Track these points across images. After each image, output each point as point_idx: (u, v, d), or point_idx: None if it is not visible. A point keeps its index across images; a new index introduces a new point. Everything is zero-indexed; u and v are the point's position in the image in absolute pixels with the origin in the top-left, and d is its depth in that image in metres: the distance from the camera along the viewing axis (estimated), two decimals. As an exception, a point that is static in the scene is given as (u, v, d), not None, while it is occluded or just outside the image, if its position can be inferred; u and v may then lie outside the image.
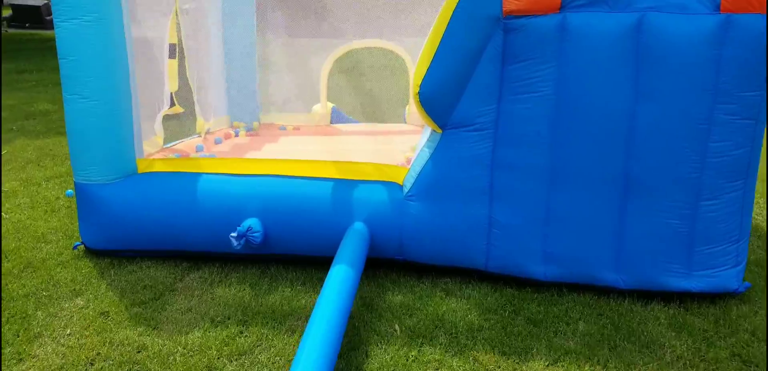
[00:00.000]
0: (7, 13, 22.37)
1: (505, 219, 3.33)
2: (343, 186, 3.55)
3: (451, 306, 3.27)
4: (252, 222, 3.51)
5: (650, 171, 3.16)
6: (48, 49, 16.74)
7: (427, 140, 3.47)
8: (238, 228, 3.47)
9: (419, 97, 3.26)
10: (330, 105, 5.77)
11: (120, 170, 3.77)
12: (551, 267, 3.35)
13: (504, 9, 3.08)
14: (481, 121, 3.26)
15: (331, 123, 5.75)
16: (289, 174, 3.63)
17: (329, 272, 2.96)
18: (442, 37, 3.16)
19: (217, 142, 5.07)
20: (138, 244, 3.80)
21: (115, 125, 3.71)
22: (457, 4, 3.11)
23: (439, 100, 3.25)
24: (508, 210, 3.31)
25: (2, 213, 4.60)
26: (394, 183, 3.55)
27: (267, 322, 3.14)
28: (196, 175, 3.73)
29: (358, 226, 3.43)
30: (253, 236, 3.47)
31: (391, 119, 5.83)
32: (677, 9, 2.97)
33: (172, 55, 4.65)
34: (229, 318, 3.18)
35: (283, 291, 3.46)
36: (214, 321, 3.15)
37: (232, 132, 5.34)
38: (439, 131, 3.36)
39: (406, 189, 3.47)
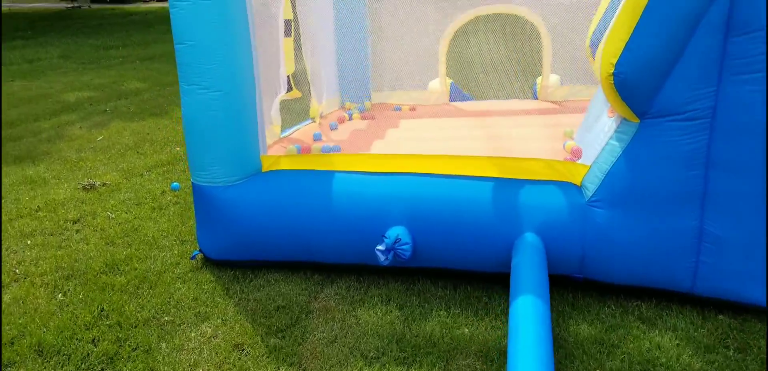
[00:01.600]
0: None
1: (720, 232, 2.64)
2: (509, 187, 2.95)
3: (655, 342, 2.63)
4: (399, 232, 2.96)
5: None
6: (131, 23, 16.83)
7: (616, 131, 2.81)
8: (385, 239, 2.94)
9: (615, 79, 2.59)
10: (448, 81, 5.15)
11: (244, 169, 3.31)
12: (755, 287, 2.65)
13: (736, -35, 2.37)
14: (694, 109, 2.57)
15: (451, 101, 5.13)
16: (440, 172, 3.05)
17: (516, 307, 2.38)
18: (649, 2, 2.47)
19: (333, 127, 4.56)
20: (263, 254, 3.34)
21: (239, 118, 3.24)
22: (672, -41, 2.41)
23: (641, 82, 2.57)
24: (726, 220, 2.63)
25: (110, 215, 4.27)
26: (570, 184, 2.92)
27: (431, 360, 2.61)
28: (330, 174, 3.22)
29: (531, 239, 2.83)
30: (402, 249, 2.93)
31: (518, 95, 5.16)
32: None
33: (287, 33, 4.13)
34: (384, 355, 2.66)
35: (439, 316, 2.91)
36: (367, 358, 2.64)
37: (345, 115, 4.82)
38: (636, 120, 2.70)
39: (588, 193, 2.84)
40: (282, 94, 4.06)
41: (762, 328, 2.69)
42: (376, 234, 3.06)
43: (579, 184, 2.91)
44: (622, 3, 2.61)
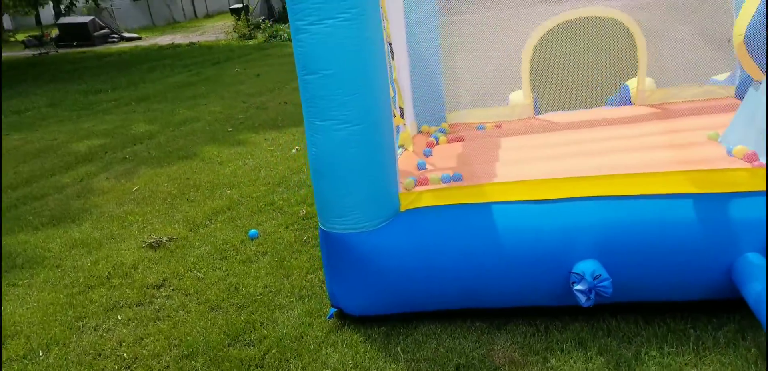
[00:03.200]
0: (54, 33, 21.86)
1: None
2: (717, 202, 2.61)
3: None
4: (593, 267, 2.58)
5: None
6: (108, 64, 16.12)
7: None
8: (582, 278, 2.55)
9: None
10: (532, 93, 4.80)
11: (387, 211, 2.89)
12: None
13: None
14: None
15: (537, 114, 4.78)
16: (630, 193, 2.69)
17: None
18: None
19: (427, 153, 4.16)
20: (415, 305, 2.93)
21: (381, 153, 2.83)
22: None
23: None
24: None
25: (198, 274, 3.77)
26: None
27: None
28: (488, 207, 2.83)
29: (758, 260, 2.48)
30: (603, 287, 2.55)
31: (615, 102, 4.84)
32: None
33: (391, 56, 3.74)
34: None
35: (652, 357, 2.54)
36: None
37: (432, 139, 4.42)
38: None
39: (813, 202, 2.52)
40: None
41: None
42: (558, 272, 2.68)
43: (790, 192, 2.60)
44: None
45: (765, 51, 3.21)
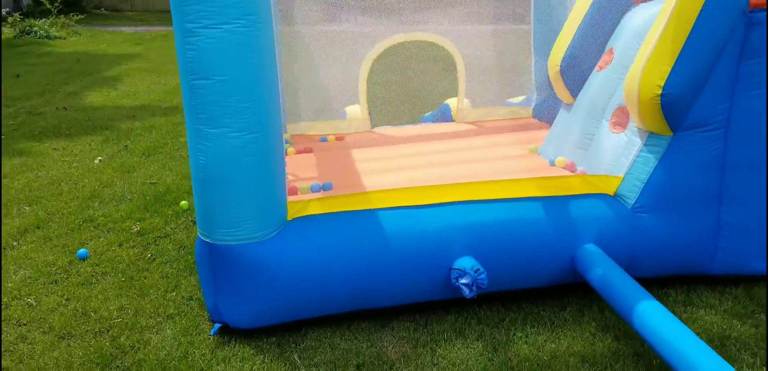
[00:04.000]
0: None
1: (734, 220, 3.20)
2: (562, 203, 3.13)
3: (709, 320, 3.06)
4: (471, 262, 2.92)
5: None
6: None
7: (646, 144, 3.19)
8: (462, 272, 2.87)
9: (663, 100, 2.97)
10: (368, 107, 5.09)
11: (278, 220, 2.89)
12: (761, 262, 3.31)
13: (750, 2, 2.93)
14: (716, 121, 3.08)
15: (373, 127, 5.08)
16: (493, 197, 3.09)
17: (648, 312, 2.55)
18: (691, 32, 2.90)
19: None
20: (308, 311, 2.98)
21: (273, 161, 2.83)
22: (707, -3, 2.87)
23: (682, 101, 2.99)
24: (738, 209, 3.19)
25: (28, 300, 3.28)
26: (606, 195, 3.23)
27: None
28: (373, 212, 3.01)
29: (596, 249, 3.05)
30: (482, 279, 2.89)
31: (446, 120, 5.34)
32: None
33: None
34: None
35: (521, 337, 2.95)
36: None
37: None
38: (669, 134, 3.11)
39: (631, 201, 3.17)
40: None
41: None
42: (438, 270, 2.97)
43: (612, 194, 3.24)
44: (657, 36, 3.00)
45: (577, 80, 3.92)
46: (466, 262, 2.92)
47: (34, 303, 3.25)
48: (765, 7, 2.95)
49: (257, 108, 2.69)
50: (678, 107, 3.00)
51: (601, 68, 3.79)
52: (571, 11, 4.13)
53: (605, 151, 3.46)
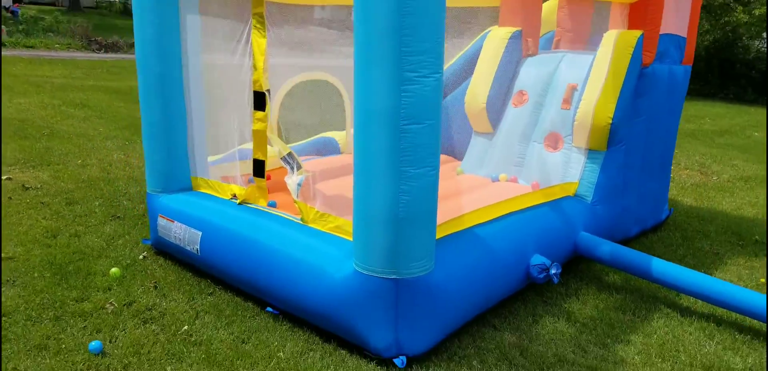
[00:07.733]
0: None
1: (627, 202, 4.84)
2: (563, 205, 4.25)
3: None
4: (543, 259, 3.78)
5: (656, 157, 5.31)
6: None
7: (588, 157, 4.54)
8: (543, 266, 3.71)
9: (612, 126, 4.38)
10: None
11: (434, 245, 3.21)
12: (637, 227, 5.08)
13: (643, 62, 4.60)
14: (624, 138, 4.66)
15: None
16: (528, 205, 4.03)
17: (661, 270, 3.87)
18: (624, 81, 4.41)
19: (272, 204, 4.12)
20: (460, 321, 3.40)
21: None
22: (631, 59, 4.43)
23: (620, 125, 4.46)
24: (628, 195, 4.84)
25: None
26: (576, 196, 4.48)
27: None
28: (481, 228, 3.67)
29: (588, 235, 4.25)
30: (559, 269, 3.77)
31: (330, 152, 5.64)
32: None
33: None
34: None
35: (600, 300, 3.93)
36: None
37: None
38: (604, 149, 4.53)
39: (589, 198, 4.49)
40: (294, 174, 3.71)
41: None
42: (522, 266, 3.75)
43: (573, 195, 4.50)
44: (600, 85, 4.39)
45: (499, 113, 5.05)
46: (538, 259, 3.77)
47: None
48: (648, 65, 4.64)
49: (439, 146, 3.02)
50: (617, 130, 4.46)
51: (516, 105, 5.03)
52: (478, 64, 5.21)
53: (550, 166, 4.72)
